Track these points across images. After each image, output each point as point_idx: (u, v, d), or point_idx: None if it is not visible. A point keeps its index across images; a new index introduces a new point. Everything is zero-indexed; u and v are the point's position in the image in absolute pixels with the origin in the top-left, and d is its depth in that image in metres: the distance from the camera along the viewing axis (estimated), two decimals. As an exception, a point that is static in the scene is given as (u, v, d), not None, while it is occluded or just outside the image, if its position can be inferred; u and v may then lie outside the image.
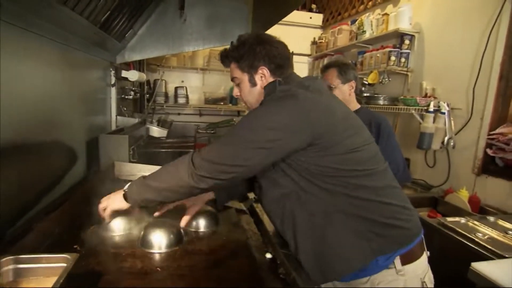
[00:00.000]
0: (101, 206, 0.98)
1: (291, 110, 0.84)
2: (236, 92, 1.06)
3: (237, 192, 1.24)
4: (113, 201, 0.97)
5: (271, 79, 0.98)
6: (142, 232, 1.03)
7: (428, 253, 0.96)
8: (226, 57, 1.03)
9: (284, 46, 1.00)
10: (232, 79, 1.04)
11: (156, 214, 1.07)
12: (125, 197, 0.94)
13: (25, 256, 0.74)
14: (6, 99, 0.95)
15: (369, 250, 0.84)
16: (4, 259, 0.72)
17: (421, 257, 0.92)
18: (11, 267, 0.72)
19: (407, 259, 0.88)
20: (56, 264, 0.72)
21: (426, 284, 0.91)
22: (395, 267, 0.86)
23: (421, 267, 0.92)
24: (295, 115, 0.83)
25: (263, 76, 0.98)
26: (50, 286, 0.62)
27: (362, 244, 0.84)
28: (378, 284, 0.86)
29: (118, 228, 1.08)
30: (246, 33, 1.01)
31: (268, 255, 1.02)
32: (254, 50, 0.96)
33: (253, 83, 0.99)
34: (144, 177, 0.94)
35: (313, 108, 0.85)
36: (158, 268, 0.90)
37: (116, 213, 1.00)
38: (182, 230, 1.08)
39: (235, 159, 0.84)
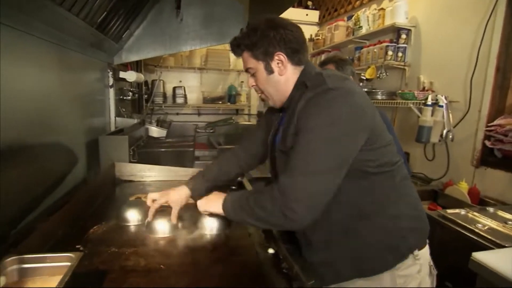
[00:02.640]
0: (200, 205, 1.03)
1: (354, 109, 0.80)
2: (251, 82, 0.98)
3: (222, 180, 1.22)
4: (212, 205, 1.00)
5: (289, 65, 0.92)
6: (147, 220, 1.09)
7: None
8: (237, 46, 0.95)
9: (298, 29, 0.93)
10: (246, 70, 0.97)
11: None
12: (223, 207, 0.96)
13: (30, 256, 0.74)
14: (4, 101, 0.95)
15: (405, 249, 0.88)
16: (9, 259, 0.72)
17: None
18: (15, 267, 0.72)
19: (421, 245, 0.92)
20: (60, 263, 0.73)
21: (433, 268, 0.96)
22: (413, 253, 0.89)
23: (427, 252, 0.96)
24: (357, 114, 0.80)
25: (280, 62, 0.91)
26: (55, 285, 0.63)
27: (399, 244, 0.88)
28: (397, 269, 0.88)
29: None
30: (255, 19, 0.95)
31: (271, 251, 1.02)
32: (268, 36, 0.89)
33: (269, 71, 0.92)
34: (245, 196, 0.91)
35: (364, 101, 0.84)
36: (161, 266, 0.90)
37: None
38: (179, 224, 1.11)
39: (327, 186, 0.79)
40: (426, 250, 0.94)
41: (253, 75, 0.96)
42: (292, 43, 0.90)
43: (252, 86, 0.99)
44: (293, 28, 0.91)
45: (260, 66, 0.92)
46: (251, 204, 0.87)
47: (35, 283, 0.72)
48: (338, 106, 0.79)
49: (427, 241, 0.97)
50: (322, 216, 0.86)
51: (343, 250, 0.90)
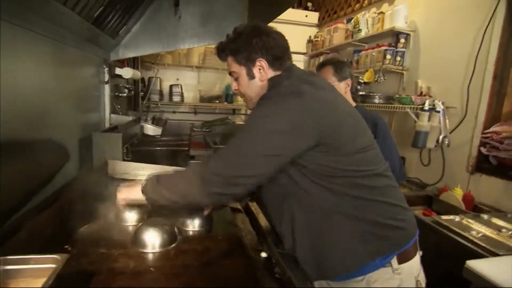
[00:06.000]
0: (120, 195, 1.03)
1: (297, 109, 0.81)
2: (234, 86, 1.02)
3: None
4: (132, 193, 1.00)
5: (270, 71, 0.95)
6: (135, 232, 1.01)
7: (421, 252, 0.97)
8: (222, 51, 0.99)
9: (282, 36, 0.97)
10: (230, 73, 1.00)
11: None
12: (142, 191, 0.95)
13: (13, 257, 0.72)
14: (-5, 95, 0.92)
15: (365, 253, 0.84)
16: (-9, 260, 0.70)
17: (415, 256, 0.93)
18: (-1, 268, 0.70)
19: (403, 258, 0.88)
20: (45, 265, 0.70)
21: (420, 283, 0.92)
22: (391, 266, 0.86)
23: (415, 266, 0.92)
24: (301, 115, 0.81)
25: (262, 68, 0.94)
26: (39, 287, 0.61)
27: (358, 247, 0.84)
28: (374, 282, 0.85)
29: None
30: (241, 25, 0.98)
31: (263, 254, 1.01)
32: (251, 42, 0.92)
33: (251, 76, 0.96)
34: (157, 178, 0.93)
35: (320, 106, 0.83)
36: (151, 268, 0.88)
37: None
38: (176, 229, 1.07)
39: (247, 170, 0.81)
40: (410, 265, 0.89)
41: (236, 79, 1.00)
42: (274, 50, 0.93)
43: (235, 90, 1.02)
44: (276, 36, 0.95)
45: (242, 71, 0.96)
46: (172, 176, 0.92)
47: (18, 285, 0.69)
48: (284, 103, 0.82)
49: (420, 252, 0.94)
50: (287, 213, 0.89)
51: (307, 251, 0.88)
